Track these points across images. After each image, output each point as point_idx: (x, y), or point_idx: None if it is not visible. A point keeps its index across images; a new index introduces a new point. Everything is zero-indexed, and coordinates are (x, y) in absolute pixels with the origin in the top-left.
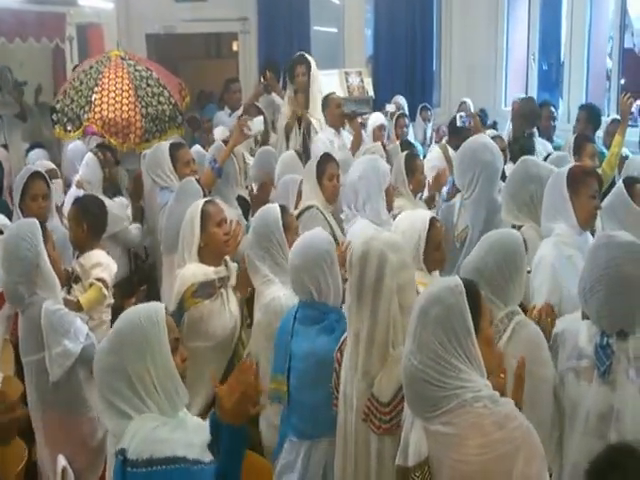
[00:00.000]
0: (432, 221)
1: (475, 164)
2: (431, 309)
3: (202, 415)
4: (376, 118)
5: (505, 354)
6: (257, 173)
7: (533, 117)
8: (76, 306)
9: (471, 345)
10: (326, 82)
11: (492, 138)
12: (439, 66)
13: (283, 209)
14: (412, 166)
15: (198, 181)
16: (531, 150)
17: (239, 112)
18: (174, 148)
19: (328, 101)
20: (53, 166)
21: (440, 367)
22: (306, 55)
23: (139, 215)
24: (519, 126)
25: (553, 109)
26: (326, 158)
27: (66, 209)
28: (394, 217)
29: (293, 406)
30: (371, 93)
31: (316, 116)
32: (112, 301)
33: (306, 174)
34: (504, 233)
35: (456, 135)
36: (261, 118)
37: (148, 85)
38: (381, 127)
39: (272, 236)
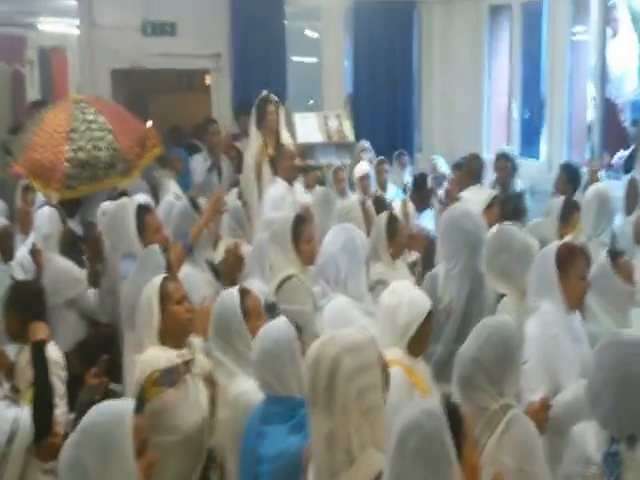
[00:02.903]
0: (430, 314)
1: (457, 234)
2: (409, 438)
3: None
4: (361, 168)
5: (498, 450)
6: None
7: (479, 173)
8: None
9: (454, 477)
10: (304, 126)
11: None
12: (420, 109)
13: (243, 293)
14: (393, 228)
15: (166, 248)
16: (524, 210)
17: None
18: (141, 212)
19: (280, 152)
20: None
21: None
22: (272, 95)
23: (96, 280)
24: (465, 182)
25: (509, 161)
26: (301, 219)
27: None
28: (372, 283)
29: None
30: (351, 138)
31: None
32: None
33: (277, 237)
34: (501, 323)
35: (419, 193)
36: (235, 191)
37: (89, 129)
38: (365, 177)
39: (231, 326)
